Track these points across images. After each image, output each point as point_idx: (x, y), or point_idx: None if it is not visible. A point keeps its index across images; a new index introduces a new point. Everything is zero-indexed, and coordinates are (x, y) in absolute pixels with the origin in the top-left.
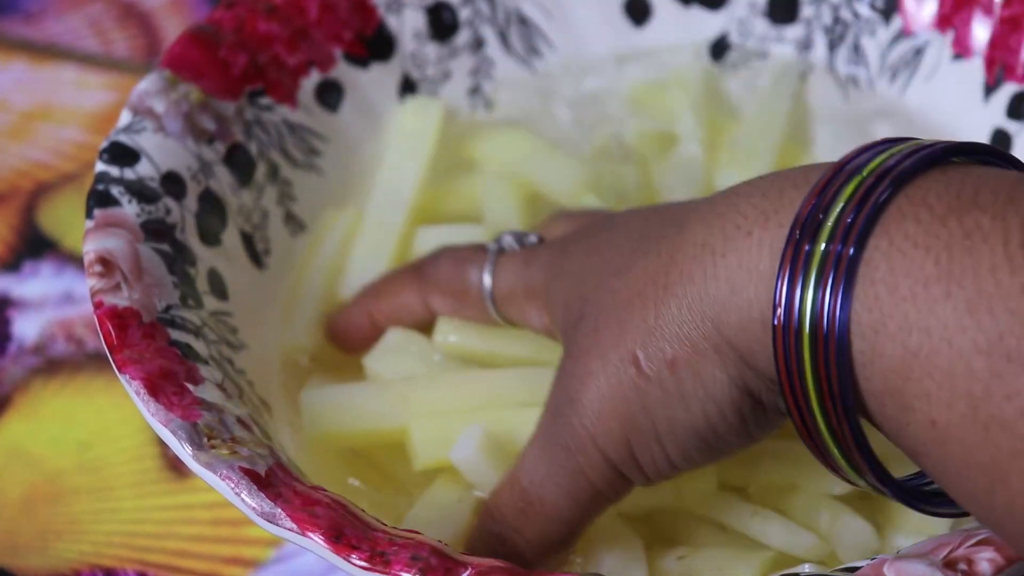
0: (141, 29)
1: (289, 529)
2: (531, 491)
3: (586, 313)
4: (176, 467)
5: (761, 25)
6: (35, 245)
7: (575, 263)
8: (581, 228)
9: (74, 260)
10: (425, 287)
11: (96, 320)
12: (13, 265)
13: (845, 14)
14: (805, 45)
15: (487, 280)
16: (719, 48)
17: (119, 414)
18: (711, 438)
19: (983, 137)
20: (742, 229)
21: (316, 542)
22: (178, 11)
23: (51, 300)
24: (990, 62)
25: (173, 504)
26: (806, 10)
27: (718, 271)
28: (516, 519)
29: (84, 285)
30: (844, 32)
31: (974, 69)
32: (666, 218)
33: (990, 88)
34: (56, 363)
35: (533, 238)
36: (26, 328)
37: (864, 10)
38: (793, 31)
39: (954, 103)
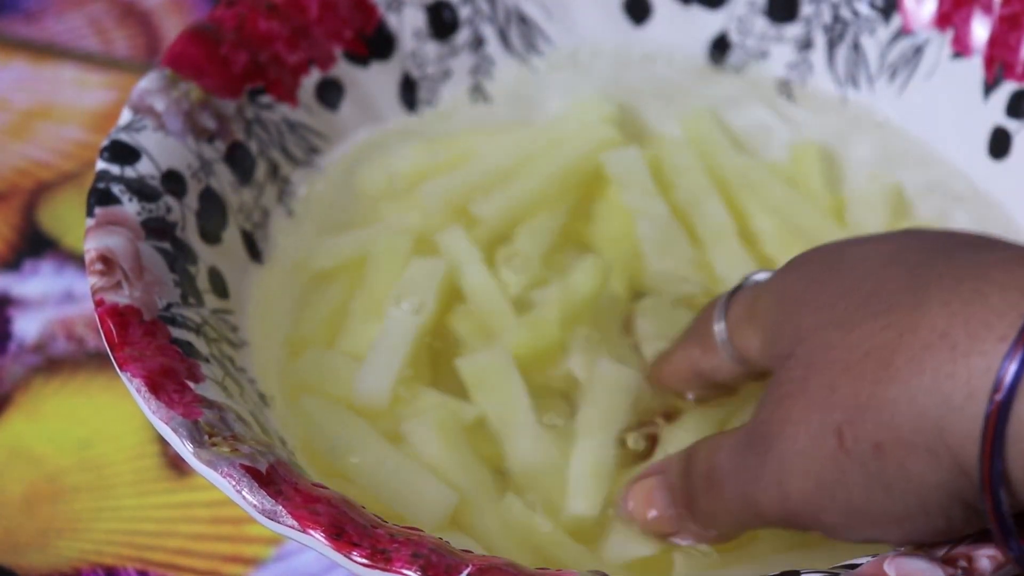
0: (141, 28)
1: (290, 526)
2: (715, 477)
3: (796, 355)
4: (176, 465)
5: (761, 23)
6: (35, 244)
7: (794, 287)
8: (810, 252)
9: (74, 259)
10: (688, 336)
11: (97, 318)
12: (14, 264)
13: (845, 13)
14: (805, 44)
15: (720, 309)
16: (719, 47)
17: (119, 412)
18: (908, 525)
19: (982, 135)
20: (994, 331)
21: (317, 539)
22: (178, 10)
23: (51, 299)
24: (989, 60)
25: (174, 502)
26: (806, 8)
27: (956, 370)
28: (702, 489)
29: (85, 284)
30: (844, 31)
31: (974, 67)
32: (903, 275)
33: (989, 86)
34: (56, 362)
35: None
36: (27, 327)
37: (864, 8)
38: (792, 30)
39: (954, 102)
